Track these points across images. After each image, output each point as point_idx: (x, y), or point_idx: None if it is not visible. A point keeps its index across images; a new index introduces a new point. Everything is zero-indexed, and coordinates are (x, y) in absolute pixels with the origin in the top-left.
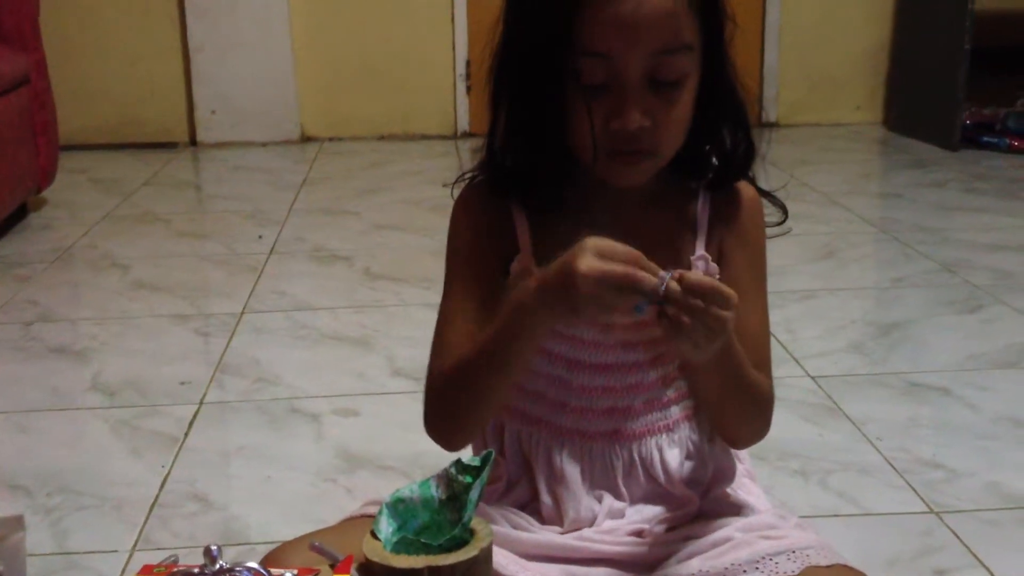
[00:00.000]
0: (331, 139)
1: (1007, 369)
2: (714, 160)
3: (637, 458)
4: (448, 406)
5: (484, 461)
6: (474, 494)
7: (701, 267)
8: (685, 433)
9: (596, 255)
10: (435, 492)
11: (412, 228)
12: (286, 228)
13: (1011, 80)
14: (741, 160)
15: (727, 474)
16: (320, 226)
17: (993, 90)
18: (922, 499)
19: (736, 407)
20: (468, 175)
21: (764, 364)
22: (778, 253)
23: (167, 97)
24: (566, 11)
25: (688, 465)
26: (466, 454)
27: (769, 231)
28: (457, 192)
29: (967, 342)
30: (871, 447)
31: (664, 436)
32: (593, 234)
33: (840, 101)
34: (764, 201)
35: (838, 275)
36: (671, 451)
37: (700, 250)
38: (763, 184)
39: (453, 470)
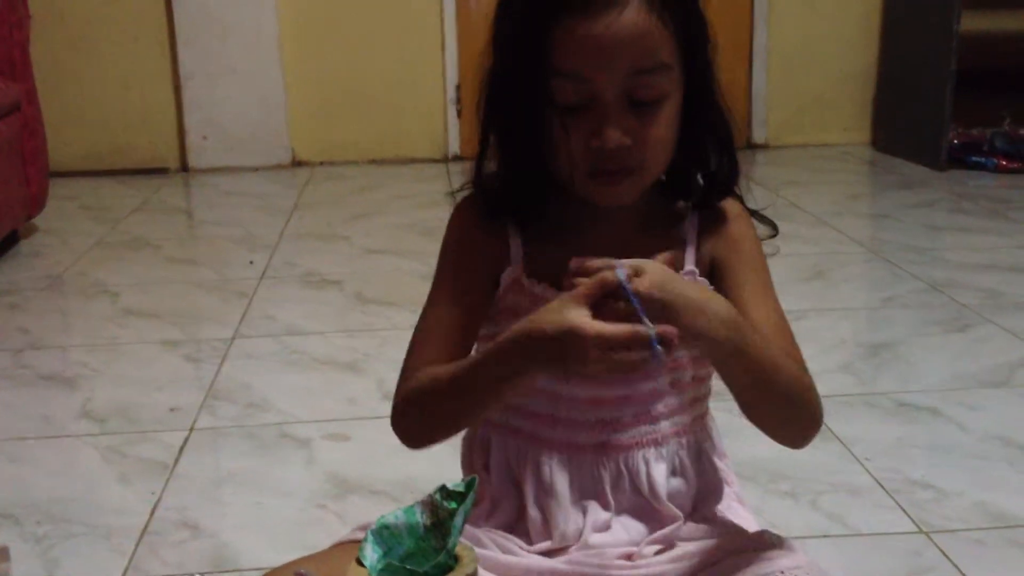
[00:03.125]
0: (322, 163)
1: (996, 388)
2: (700, 179)
3: (624, 469)
4: (419, 417)
5: (468, 487)
6: (459, 520)
7: (692, 279)
8: (673, 449)
9: (588, 310)
10: (420, 518)
11: (403, 252)
12: (277, 253)
13: (997, 100)
14: (726, 178)
15: (715, 494)
16: (311, 251)
17: (980, 110)
18: (911, 519)
19: (772, 406)
20: (470, 185)
21: (791, 355)
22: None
23: (158, 123)
24: (538, 33)
25: (674, 481)
26: (454, 478)
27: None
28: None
29: (956, 361)
30: (860, 467)
31: (652, 449)
32: (579, 254)
33: (828, 122)
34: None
35: (827, 295)
36: (658, 465)
37: (689, 265)
38: (751, 204)
39: (438, 496)
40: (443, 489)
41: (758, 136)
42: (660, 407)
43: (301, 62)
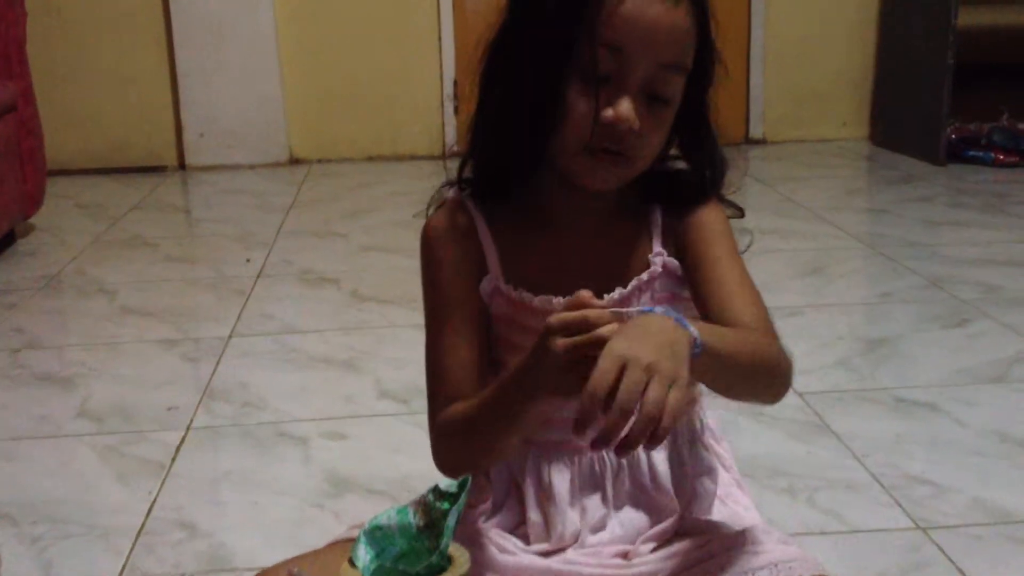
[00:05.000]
0: (319, 161)
1: (994, 384)
2: (676, 180)
3: (624, 462)
4: (458, 452)
5: (461, 487)
6: (451, 521)
7: (659, 262)
8: (672, 436)
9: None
10: (412, 519)
11: (400, 249)
12: (274, 251)
13: (995, 95)
14: (707, 185)
15: (711, 476)
16: (308, 248)
17: (978, 105)
18: (908, 515)
19: (748, 390)
20: (437, 196)
21: (760, 322)
22: (765, 269)
23: (155, 121)
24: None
25: (673, 468)
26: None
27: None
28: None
29: (954, 357)
30: (858, 464)
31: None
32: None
33: (826, 117)
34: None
35: (825, 291)
36: (658, 454)
37: (657, 247)
38: (747, 200)
39: (430, 497)
40: (436, 490)
41: (755, 131)
42: None
43: (298, 60)
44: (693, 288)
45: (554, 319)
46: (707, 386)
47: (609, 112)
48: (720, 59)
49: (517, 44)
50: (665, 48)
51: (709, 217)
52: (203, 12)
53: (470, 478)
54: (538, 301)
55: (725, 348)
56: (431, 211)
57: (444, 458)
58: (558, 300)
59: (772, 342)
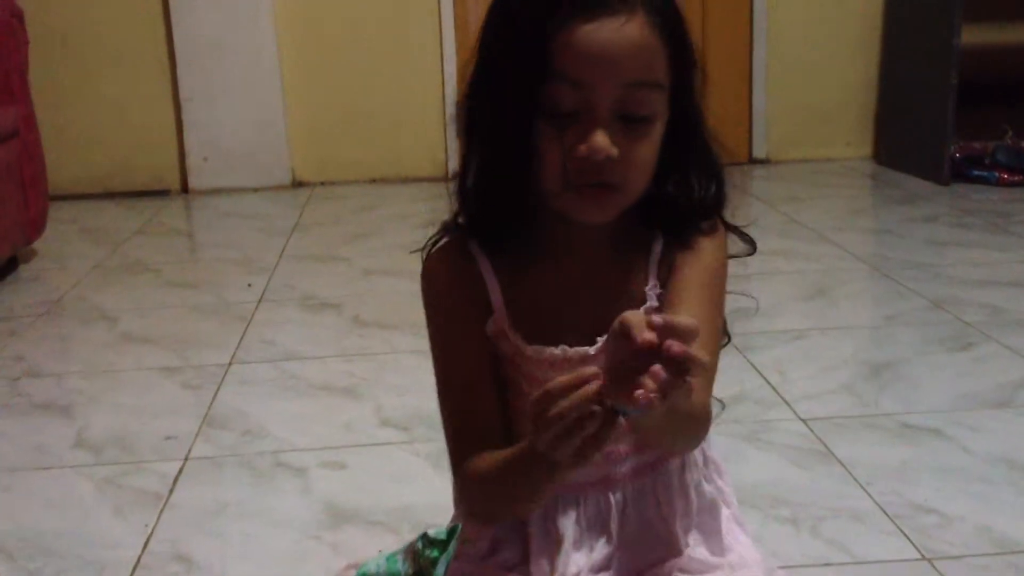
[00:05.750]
0: (323, 183)
1: (999, 409)
2: (677, 205)
3: (630, 499)
4: (482, 505)
5: (451, 535)
6: (440, 569)
7: (655, 296)
8: (674, 469)
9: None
10: (401, 567)
11: (402, 273)
12: (276, 275)
13: (999, 113)
14: (710, 206)
15: (712, 512)
16: (310, 273)
17: (982, 123)
18: (914, 545)
19: (674, 441)
20: (434, 238)
21: (704, 371)
22: (769, 292)
23: (158, 145)
24: (539, 37)
25: (678, 502)
26: (449, 508)
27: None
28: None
29: (959, 381)
30: (863, 492)
31: (655, 474)
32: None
33: (829, 137)
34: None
35: (829, 314)
36: (662, 489)
37: (652, 280)
38: (749, 218)
39: (420, 544)
40: (425, 537)
41: (759, 151)
42: None
43: (300, 82)
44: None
45: (533, 398)
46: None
47: (582, 147)
48: (698, 64)
49: (485, 92)
50: (627, 68)
51: (704, 247)
52: (205, 36)
53: (460, 526)
54: (530, 351)
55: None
56: (429, 249)
57: (475, 509)
58: (550, 351)
59: (707, 395)
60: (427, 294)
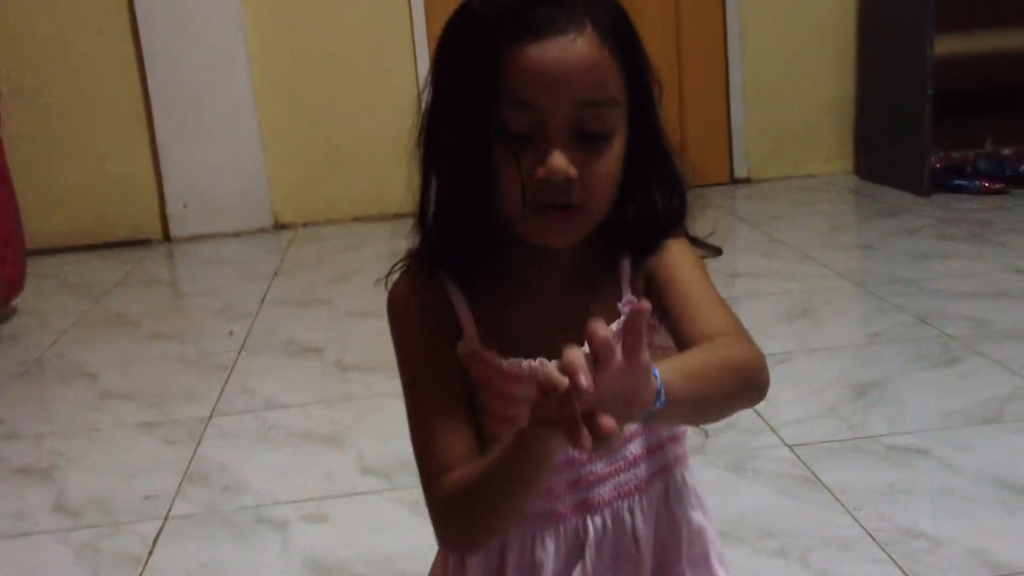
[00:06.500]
0: (305, 224)
1: (986, 425)
2: (641, 222)
3: (610, 525)
4: (471, 520)
5: None
6: None
7: (628, 310)
8: (657, 494)
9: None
10: None
11: (383, 313)
12: (257, 322)
13: (978, 121)
14: (673, 218)
15: (695, 547)
16: (292, 317)
17: (962, 133)
18: (904, 572)
19: (724, 407)
20: (398, 267)
21: (730, 326)
22: (753, 315)
23: (138, 194)
24: (487, 61)
25: (657, 531)
26: (431, 558)
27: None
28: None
29: (945, 398)
30: (851, 519)
31: (636, 498)
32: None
33: (810, 152)
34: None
35: (813, 335)
36: (643, 515)
37: (627, 296)
38: (734, 239)
39: None
40: None
41: (740, 171)
42: (635, 450)
43: (278, 124)
44: (662, 314)
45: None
46: (683, 423)
47: (540, 169)
48: (655, 78)
49: (439, 122)
50: (580, 86)
51: (672, 247)
52: (180, 82)
53: None
54: (507, 365)
55: (692, 388)
56: (393, 277)
57: (456, 530)
58: (527, 363)
59: (742, 344)
60: (394, 323)
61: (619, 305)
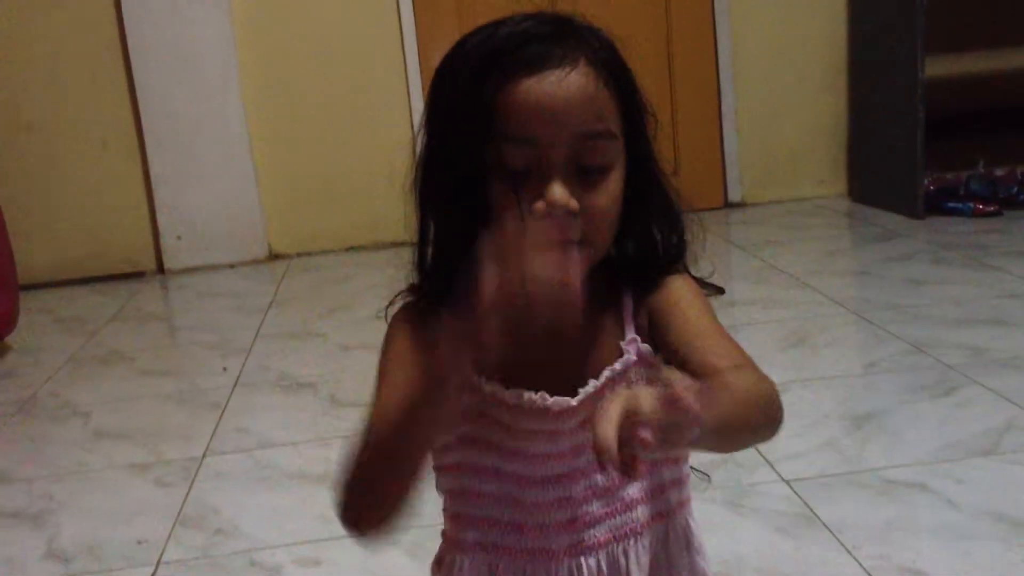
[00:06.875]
0: (299, 255)
1: (984, 457)
2: (641, 257)
3: (604, 567)
4: (353, 499)
5: None
6: None
7: (632, 350)
8: (656, 537)
9: None
10: None
11: (377, 346)
12: (251, 356)
13: (971, 143)
14: (672, 255)
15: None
16: (286, 351)
17: (954, 155)
18: None
19: (748, 439)
20: (398, 298)
21: (740, 359)
22: (749, 344)
23: (131, 227)
24: (482, 98)
25: (656, 573)
26: None
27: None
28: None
29: (942, 430)
30: (849, 557)
31: (632, 542)
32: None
33: (803, 176)
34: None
35: (809, 364)
36: (639, 560)
37: (630, 334)
38: (727, 265)
39: None
40: None
41: (734, 195)
42: (633, 492)
43: (272, 155)
44: (669, 353)
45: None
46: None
47: (540, 204)
48: (649, 110)
49: (436, 162)
50: (576, 120)
51: (675, 284)
52: (174, 115)
53: None
54: (509, 395)
55: (721, 417)
56: (393, 308)
57: (345, 505)
58: (529, 395)
59: (755, 375)
60: (392, 336)
61: (622, 344)
